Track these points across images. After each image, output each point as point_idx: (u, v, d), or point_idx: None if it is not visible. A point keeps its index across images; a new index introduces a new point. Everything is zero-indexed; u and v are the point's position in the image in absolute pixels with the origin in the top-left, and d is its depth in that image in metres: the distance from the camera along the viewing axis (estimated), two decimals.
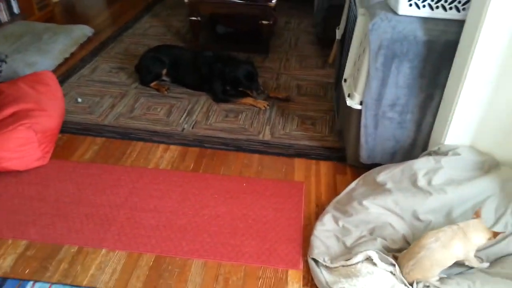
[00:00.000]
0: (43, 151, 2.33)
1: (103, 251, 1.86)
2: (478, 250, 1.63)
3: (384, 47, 1.94)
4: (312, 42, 4.05)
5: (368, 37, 1.96)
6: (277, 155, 2.52)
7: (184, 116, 2.89)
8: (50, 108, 2.44)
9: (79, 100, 3.01)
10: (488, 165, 1.92)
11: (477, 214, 1.65)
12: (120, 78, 3.33)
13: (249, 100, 3.01)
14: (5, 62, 2.49)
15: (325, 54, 3.78)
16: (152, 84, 3.19)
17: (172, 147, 2.56)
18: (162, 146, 2.57)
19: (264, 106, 2.98)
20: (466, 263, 1.63)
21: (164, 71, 3.19)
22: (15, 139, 2.18)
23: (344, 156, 2.47)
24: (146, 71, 3.19)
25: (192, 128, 2.76)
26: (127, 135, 2.65)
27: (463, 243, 1.58)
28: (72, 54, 3.66)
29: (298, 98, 3.14)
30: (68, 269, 1.78)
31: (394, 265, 1.64)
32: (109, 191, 2.19)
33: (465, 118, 1.94)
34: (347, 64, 2.39)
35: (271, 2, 3.56)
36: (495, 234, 1.61)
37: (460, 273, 1.65)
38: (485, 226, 1.62)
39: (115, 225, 1.99)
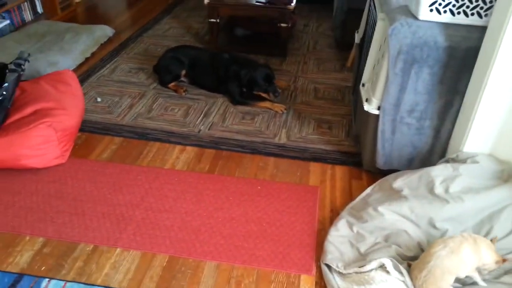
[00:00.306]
0: (62, 150, 2.35)
1: (118, 250, 1.88)
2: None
3: (403, 52, 1.91)
4: (330, 45, 4.03)
5: (388, 41, 1.93)
6: (293, 159, 2.50)
7: (201, 117, 2.89)
8: (70, 107, 2.47)
9: (99, 99, 3.03)
10: (507, 174, 1.88)
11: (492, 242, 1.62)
12: (139, 79, 3.35)
13: (266, 104, 3.00)
14: (28, 61, 2.52)
15: (343, 57, 3.75)
16: (170, 85, 3.20)
17: (189, 148, 2.57)
18: (178, 147, 2.57)
19: (281, 110, 2.96)
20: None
21: (183, 72, 3.19)
22: (35, 137, 2.21)
23: (360, 161, 2.44)
24: (165, 71, 3.20)
25: (209, 129, 2.76)
26: (145, 135, 2.66)
27: (473, 250, 1.54)
28: (93, 54, 3.71)
29: (315, 102, 3.12)
30: (83, 267, 1.80)
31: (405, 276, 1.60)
32: (126, 190, 2.20)
33: (485, 126, 1.90)
34: (365, 68, 2.36)
35: (290, 5, 3.55)
36: (503, 261, 1.58)
37: (473, 283, 1.61)
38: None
39: (131, 225, 2.00)
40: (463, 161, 1.94)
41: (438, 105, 2.04)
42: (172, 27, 4.39)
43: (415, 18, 1.92)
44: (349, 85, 3.31)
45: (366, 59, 2.36)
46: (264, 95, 2.98)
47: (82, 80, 3.27)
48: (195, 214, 2.08)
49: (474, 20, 1.89)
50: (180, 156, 2.49)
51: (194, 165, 2.42)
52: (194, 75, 3.21)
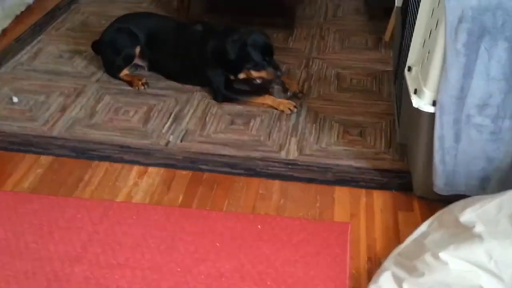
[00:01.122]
0: None
1: None
2: None
3: (467, 19, 1.92)
4: (358, 11, 4.06)
5: (444, 4, 1.95)
6: (308, 182, 2.48)
7: (169, 123, 2.86)
8: None
9: (15, 99, 3.03)
10: None
11: None
12: (74, 67, 3.36)
13: (266, 100, 3.01)
14: None
15: (378, 28, 3.75)
16: (122, 74, 3.19)
17: (152, 169, 2.55)
18: (136, 168, 2.56)
19: (289, 109, 2.96)
20: None
21: (138, 50, 3.18)
22: None
23: (410, 183, 2.42)
24: (112, 50, 3.19)
25: (181, 141, 2.73)
26: (86, 152, 2.64)
27: None
28: (4, 32, 3.69)
29: (339, 96, 3.11)
30: None
31: None
32: (59, 236, 2.18)
33: None
34: (412, 44, 2.37)
35: None
36: None
37: None
38: None
39: None
40: None
41: None
42: None
43: None
44: (388, 70, 3.27)
45: (412, 30, 2.36)
46: (258, 74, 2.97)
47: None
48: (165, 269, 2.05)
49: None
50: (139, 182, 2.48)
51: (161, 195, 2.40)
52: (155, 58, 3.21)
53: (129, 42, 3.16)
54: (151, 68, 3.27)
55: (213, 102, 3.03)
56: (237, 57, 2.93)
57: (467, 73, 2.02)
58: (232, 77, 3.05)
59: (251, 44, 2.92)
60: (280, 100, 3.00)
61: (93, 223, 2.26)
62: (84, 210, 2.31)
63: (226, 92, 3.03)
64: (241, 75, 3.01)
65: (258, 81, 3.01)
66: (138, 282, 2.02)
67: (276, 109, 2.98)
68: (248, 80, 3.06)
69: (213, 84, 3.04)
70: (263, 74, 2.98)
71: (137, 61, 3.23)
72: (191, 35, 3.08)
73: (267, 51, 2.96)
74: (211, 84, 3.06)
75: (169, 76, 3.20)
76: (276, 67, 2.98)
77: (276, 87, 3.09)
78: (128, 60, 3.19)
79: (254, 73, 2.98)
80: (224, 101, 3.02)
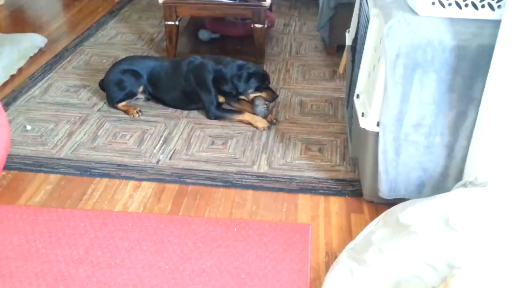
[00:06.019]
0: None
1: None
2: None
3: (403, 55, 1.97)
4: (317, 48, 4.12)
5: (384, 43, 1.99)
6: (276, 191, 2.52)
7: (159, 144, 2.90)
8: None
9: (28, 127, 3.03)
10: None
11: None
12: (79, 99, 3.37)
13: (246, 117, 3.07)
14: None
15: (333, 62, 3.82)
16: (120, 105, 3.21)
17: (145, 184, 2.57)
18: (132, 183, 2.58)
19: (263, 127, 3.02)
20: None
21: (141, 89, 3.23)
22: None
23: (360, 190, 2.48)
24: (117, 88, 3.20)
25: (170, 159, 2.77)
26: (88, 170, 2.67)
27: None
28: (20, 70, 3.70)
29: (301, 119, 3.16)
30: None
31: None
32: (65, 242, 2.18)
33: (508, 140, 1.93)
34: (359, 75, 2.41)
35: (264, 1, 3.60)
36: None
37: None
38: None
39: (73, 286, 1.97)
40: (484, 185, 1.97)
41: (449, 117, 2.09)
42: (120, 32, 4.42)
43: (415, 13, 1.99)
44: (342, 97, 3.35)
45: (360, 64, 2.41)
46: (260, 94, 3.12)
47: (7, 103, 3.26)
48: (155, 268, 2.06)
49: (485, 13, 1.95)
50: (134, 195, 2.49)
51: (152, 205, 2.41)
52: (156, 90, 3.25)
53: (134, 82, 3.19)
54: (149, 99, 3.30)
55: (197, 126, 3.06)
56: (243, 84, 3.09)
57: (404, 99, 2.07)
58: (220, 100, 3.15)
59: (253, 74, 3.09)
60: (257, 117, 3.06)
61: (94, 230, 2.26)
62: (86, 220, 2.31)
63: (217, 111, 3.11)
64: (244, 96, 3.16)
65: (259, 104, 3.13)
66: (133, 279, 2.02)
67: (254, 126, 3.03)
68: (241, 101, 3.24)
69: (207, 105, 3.11)
70: (263, 95, 3.13)
71: (139, 95, 3.28)
72: (188, 65, 3.13)
73: (265, 78, 3.14)
74: (205, 105, 3.12)
75: (167, 103, 3.25)
76: (274, 91, 3.18)
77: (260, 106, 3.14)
78: (130, 96, 3.23)
79: (255, 94, 3.13)
80: (216, 118, 3.10)
